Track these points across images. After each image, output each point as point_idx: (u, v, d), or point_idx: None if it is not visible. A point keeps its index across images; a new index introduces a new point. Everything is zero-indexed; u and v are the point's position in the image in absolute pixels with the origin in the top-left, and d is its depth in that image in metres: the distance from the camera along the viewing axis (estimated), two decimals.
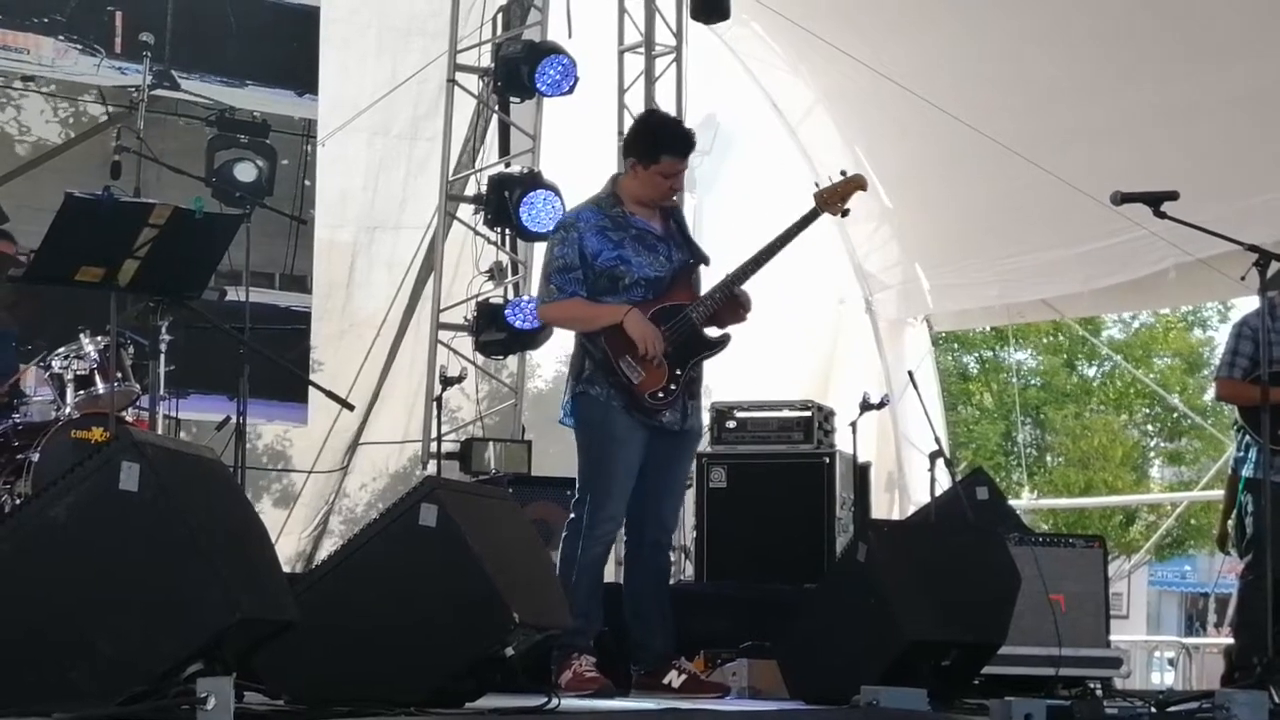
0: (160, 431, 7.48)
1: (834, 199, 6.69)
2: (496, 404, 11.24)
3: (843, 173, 6.78)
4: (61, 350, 7.87)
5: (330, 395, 8.32)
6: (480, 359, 10.78)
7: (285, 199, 10.78)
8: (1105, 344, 23.51)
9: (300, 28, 11.12)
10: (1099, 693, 6.90)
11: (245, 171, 10.81)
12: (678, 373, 6.38)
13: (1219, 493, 9.58)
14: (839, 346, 13.64)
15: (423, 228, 11.62)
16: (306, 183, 11.13)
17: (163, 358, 7.57)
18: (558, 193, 10.23)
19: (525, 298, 10.52)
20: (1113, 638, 7.62)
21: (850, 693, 5.50)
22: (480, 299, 10.56)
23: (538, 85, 10.29)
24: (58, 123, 10.35)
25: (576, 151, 11.64)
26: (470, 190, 10.97)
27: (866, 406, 9.15)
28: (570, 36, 10.72)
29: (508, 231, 10.59)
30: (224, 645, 4.15)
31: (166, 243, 6.44)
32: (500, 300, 10.54)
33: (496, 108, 10.83)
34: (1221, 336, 16.92)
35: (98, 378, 7.76)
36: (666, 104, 11.42)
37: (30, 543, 4.12)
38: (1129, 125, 11.30)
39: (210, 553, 4.10)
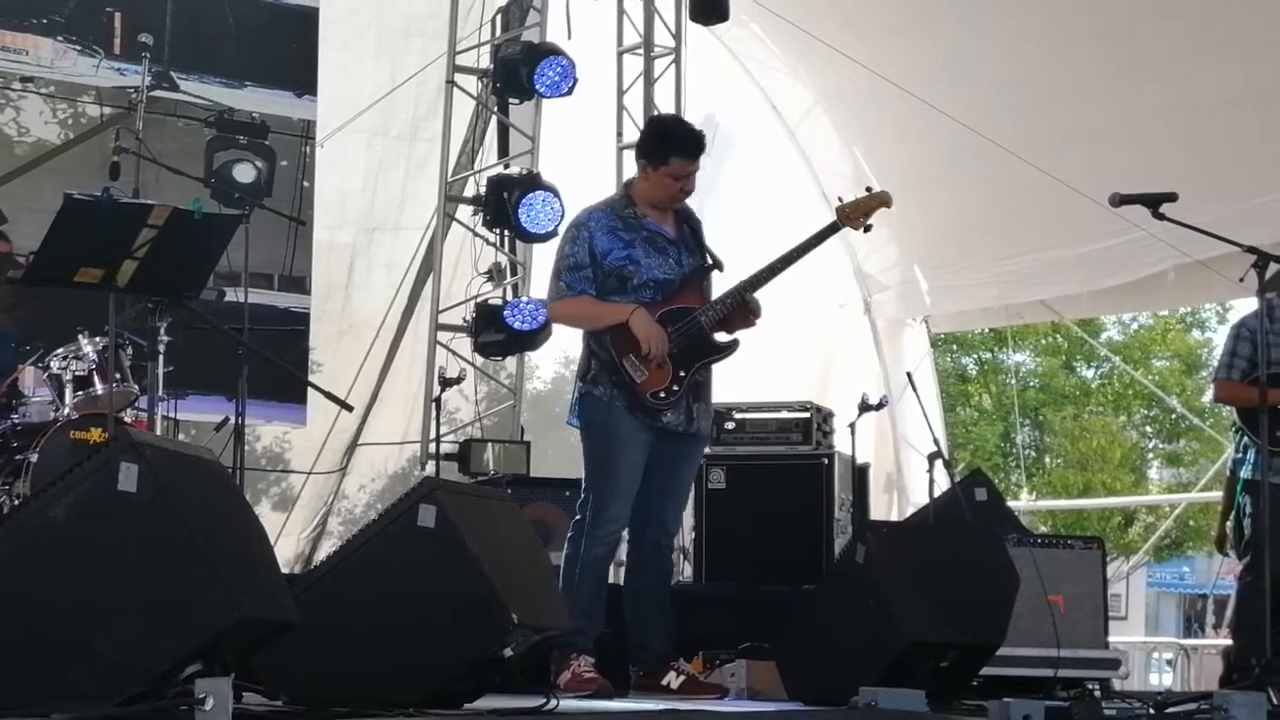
0: (159, 432, 7.49)
1: (856, 214, 6.69)
2: (495, 405, 11.24)
3: (868, 189, 6.78)
4: (60, 351, 7.88)
5: (329, 396, 8.32)
6: (479, 360, 10.78)
7: (284, 200, 10.77)
8: (1104, 346, 23.51)
9: (299, 29, 11.12)
10: (1097, 694, 6.91)
11: (244, 172, 10.81)
12: (681, 374, 6.38)
13: (1217, 494, 9.60)
14: (838, 348, 13.64)
15: (422, 229, 11.62)
16: (305, 184, 11.13)
17: (161, 358, 7.58)
18: (557, 194, 10.22)
19: (524, 299, 10.52)
20: (1111, 639, 7.62)
21: (849, 694, 5.50)
22: (479, 300, 10.56)
23: (537, 86, 10.29)
24: (56, 124, 10.35)
25: (575, 153, 11.64)
26: (469, 191, 10.97)
27: (865, 408, 9.15)
28: (569, 38, 10.72)
29: (507, 233, 10.58)
30: (223, 646, 4.15)
31: (165, 244, 6.45)
32: (499, 301, 10.54)
33: (495, 109, 10.83)
34: (1220, 338, 16.92)
35: (96, 378, 7.77)
36: (665, 105, 11.43)
37: (29, 543, 4.12)
38: (1128, 126, 11.30)
39: (209, 553, 4.11)
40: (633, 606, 6.55)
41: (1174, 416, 24.72)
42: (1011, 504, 10.95)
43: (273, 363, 8.37)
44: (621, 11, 11.61)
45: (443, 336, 10.67)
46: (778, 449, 8.71)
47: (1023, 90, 11.76)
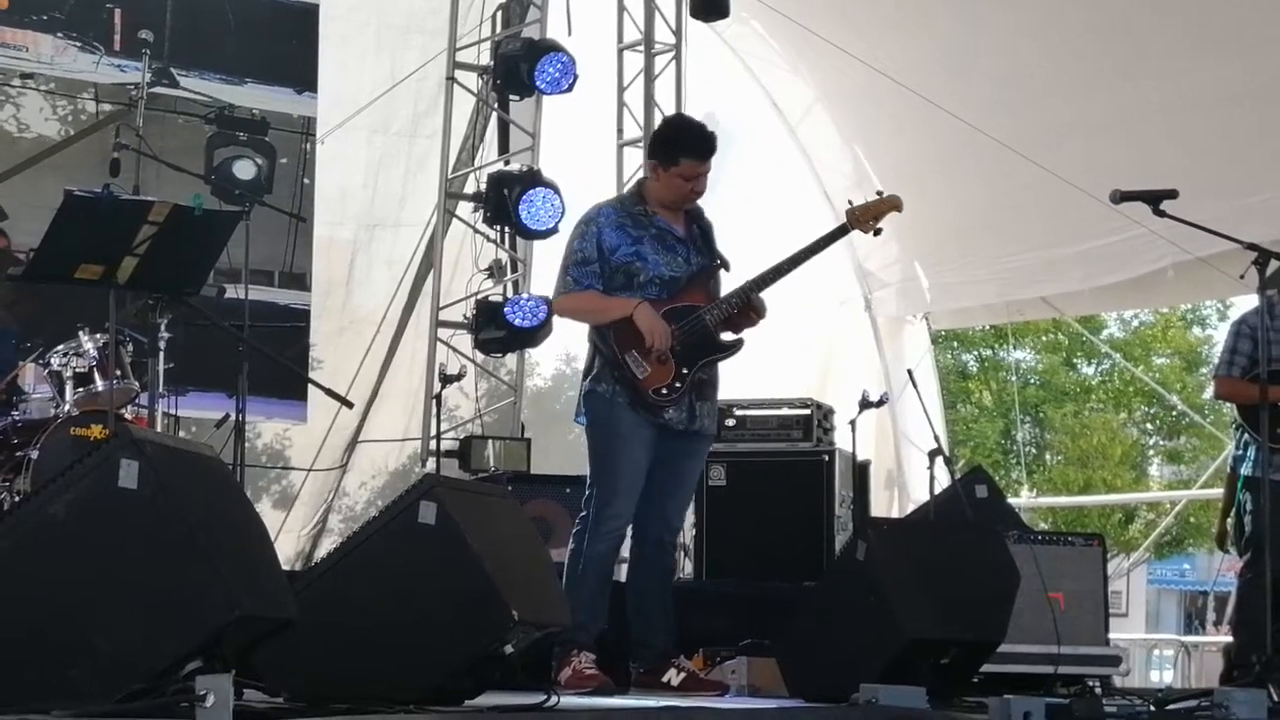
0: (159, 429, 7.50)
1: (866, 217, 6.70)
2: (496, 402, 11.24)
3: (879, 192, 6.79)
4: (61, 348, 7.88)
5: (329, 393, 8.33)
6: (479, 357, 10.77)
7: (284, 197, 10.78)
8: (1105, 342, 23.51)
9: (299, 25, 11.12)
10: (1098, 691, 6.91)
11: (244, 169, 10.81)
12: (684, 371, 6.39)
13: (1218, 491, 9.59)
14: (838, 344, 13.64)
15: (422, 225, 11.62)
16: (305, 180, 11.13)
17: (162, 355, 7.59)
18: (557, 190, 10.22)
19: (525, 295, 10.52)
20: (1112, 636, 7.62)
21: (849, 691, 5.50)
22: (480, 297, 10.56)
23: (537, 83, 10.28)
24: (57, 120, 10.35)
25: (576, 149, 11.63)
26: (470, 188, 10.97)
27: (866, 404, 9.15)
28: (569, 34, 10.71)
29: (507, 229, 10.57)
30: (223, 643, 4.15)
31: (166, 240, 6.45)
32: (500, 298, 10.54)
33: (496, 105, 10.83)
34: (1220, 335, 16.91)
35: (97, 375, 7.77)
36: (666, 102, 11.43)
37: (29, 540, 4.12)
38: (1128, 123, 11.29)
39: (209, 550, 4.11)
40: (634, 603, 6.56)
41: (1174, 413, 24.73)
42: (1012, 501, 10.93)
43: (273, 359, 8.38)
44: (622, 8, 11.60)
45: (443, 333, 10.66)
46: (778, 446, 8.71)
47: (1023, 86, 11.76)
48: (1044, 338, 25.04)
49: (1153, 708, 5.95)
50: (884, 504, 12.62)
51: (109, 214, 6.53)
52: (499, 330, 10.35)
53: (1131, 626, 22.14)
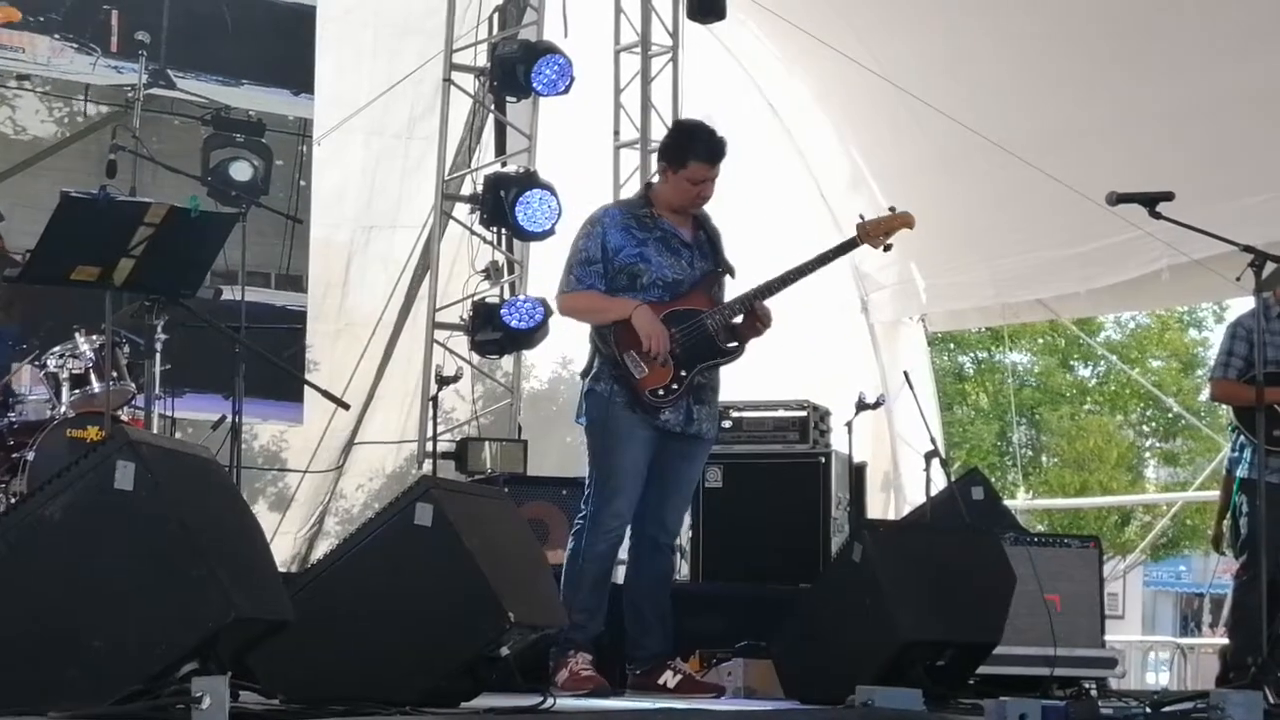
0: (155, 431, 7.49)
1: (877, 232, 6.71)
2: (492, 404, 11.24)
3: (891, 208, 6.80)
4: (57, 349, 7.88)
5: (325, 394, 8.31)
6: (476, 358, 10.77)
7: (281, 198, 10.78)
8: (1102, 345, 23.52)
9: (296, 27, 11.12)
10: (1094, 693, 6.92)
11: (241, 170, 10.81)
12: (682, 374, 6.40)
13: (1214, 493, 9.61)
14: (835, 346, 13.64)
15: (418, 227, 11.62)
16: (302, 182, 11.13)
17: (158, 357, 7.57)
18: (554, 192, 10.22)
19: (521, 297, 10.51)
20: (1108, 638, 7.62)
21: (845, 692, 5.50)
22: (476, 298, 10.55)
23: (534, 85, 10.27)
24: (53, 122, 10.35)
25: (572, 151, 11.63)
26: (466, 190, 10.96)
27: (862, 406, 9.14)
28: (566, 36, 10.71)
29: (504, 231, 10.57)
30: (219, 644, 4.15)
31: (162, 242, 6.44)
32: (496, 300, 10.53)
33: (492, 107, 10.83)
34: (1217, 337, 16.94)
35: (93, 376, 7.77)
36: (662, 104, 11.43)
37: (25, 542, 4.12)
38: (1125, 125, 11.30)
39: (205, 552, 4.10)
40: (631, 606, 6.56)
41: (1171, 415, 24.73)
42: (1008, 503, 10.95)
43: (270, 361, 8.37)
44: (619, 10, 11.60)
45: (440, 335, 10.66)
46: (775, 448, 8.71)
47: (1020, 89, 11.77)
48: (1040, 340, 25.05)
49: (1149, 710, 5.95)
50: (880, 506, 12.63)
51: (105, 215, 6.52)
52: (495, 332, 10.34)
53: (1128, 629, 22.16)
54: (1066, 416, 24.83)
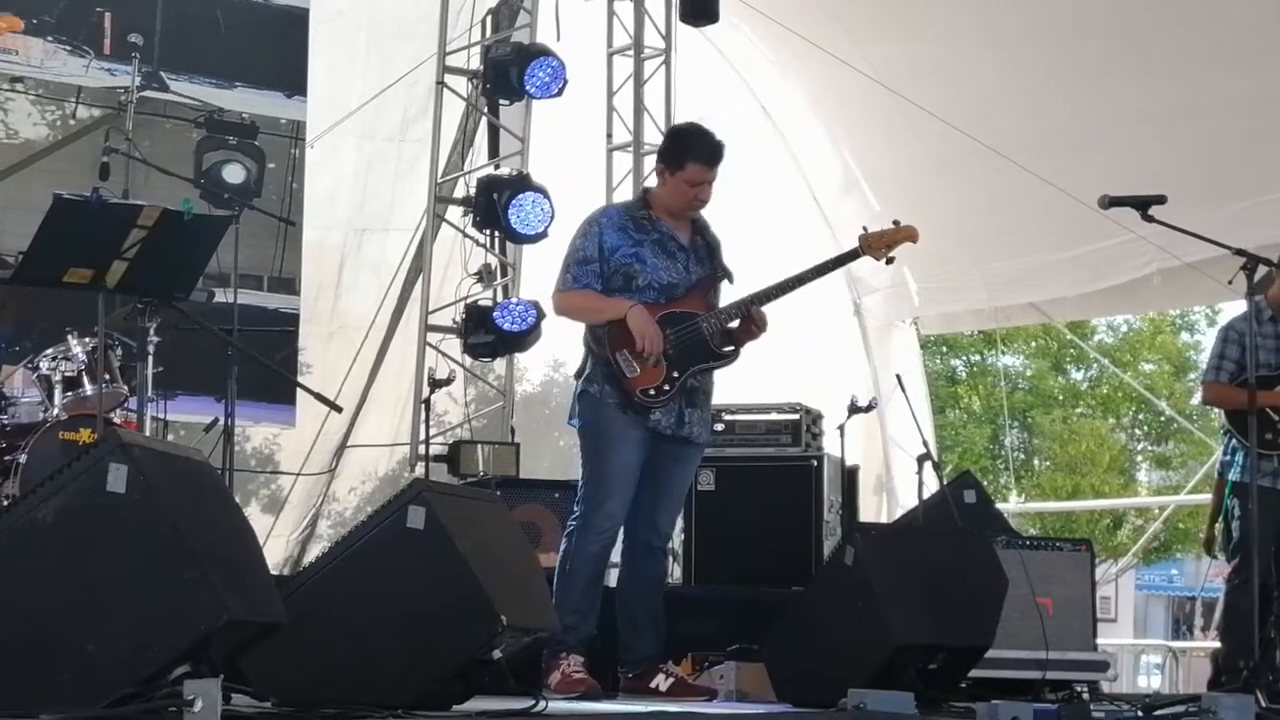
0: (148, 433, 7.48)
1: (879, 245, 6.72)
2: (484, 407, 11.24)
3: (895, 222, 6.80)
4: (49, 352, 7.88)
5: (318, 397, 8.31)
6: (468, 361, 10.77)
7: (274, 201, 10.78)
8: (1094, 348, 23.53)
9: (290, 29, 11.11)
10: (1086, 696, 6.92)
11: (234, 173, 10.81)
12: (675, 375, 6.40)
13: (1206, 496, 9.60)
14: (827, 349, 13.64)
15: (411, 230, 11.62)
16: (295, 185, 11.13)
17: (150, 359, 7.57)
18: (547, 195, 10.22)
19: (514, 300, 10.52)
20: (1100, 641, 7.63)
21: (837, 696, 5.50)
22: (469, 301, 10.56)
23: (527, 87, 10.28)
24: (45, 125, 10.33)
25: (565, 154, 11.64)
26: (459, 192, 10.97)
27: (854, 409, 9.14)
28: (559, 39, 10.72)
29: (496, 234, 10.57)
30: (211, 647, 4.15)
31: (155, 244, 6.44)
32: (489, 302, 10.54)
33: (485, 110, 10.83)
34: (1209, 340, 16.95)
35: (86, 379, 7.77)
36: (655, 107, 11.44)
37: (17, 544, 4.11)
38: (1117, 128, 11.32)
39: (198, 555, 4.10)
40: (624, 609, 6.56)
41: (1163, 419, 24.75)
42: (1000, 506, 10.95)
43: (262, 364, 8.37)
44: (611, 13, 11.61)
45: (432, 338, 10.66)
46: (767, 450, 8.69)
47: (1013, 92, 11.78)
48: (1032, 343, 25.06)
49: (1140, 713, 5.97)
50: (872, 509, 12.63)
51: (98, 218, 6.52)
52: (488, 335, 10.35)
53: (1120, 632, 22.20)
54: (1059, 420, 24.83)
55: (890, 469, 13.22)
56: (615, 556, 6.72)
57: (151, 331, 7.48)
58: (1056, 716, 5.54)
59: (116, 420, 7.76)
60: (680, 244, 6.56)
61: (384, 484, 11.99)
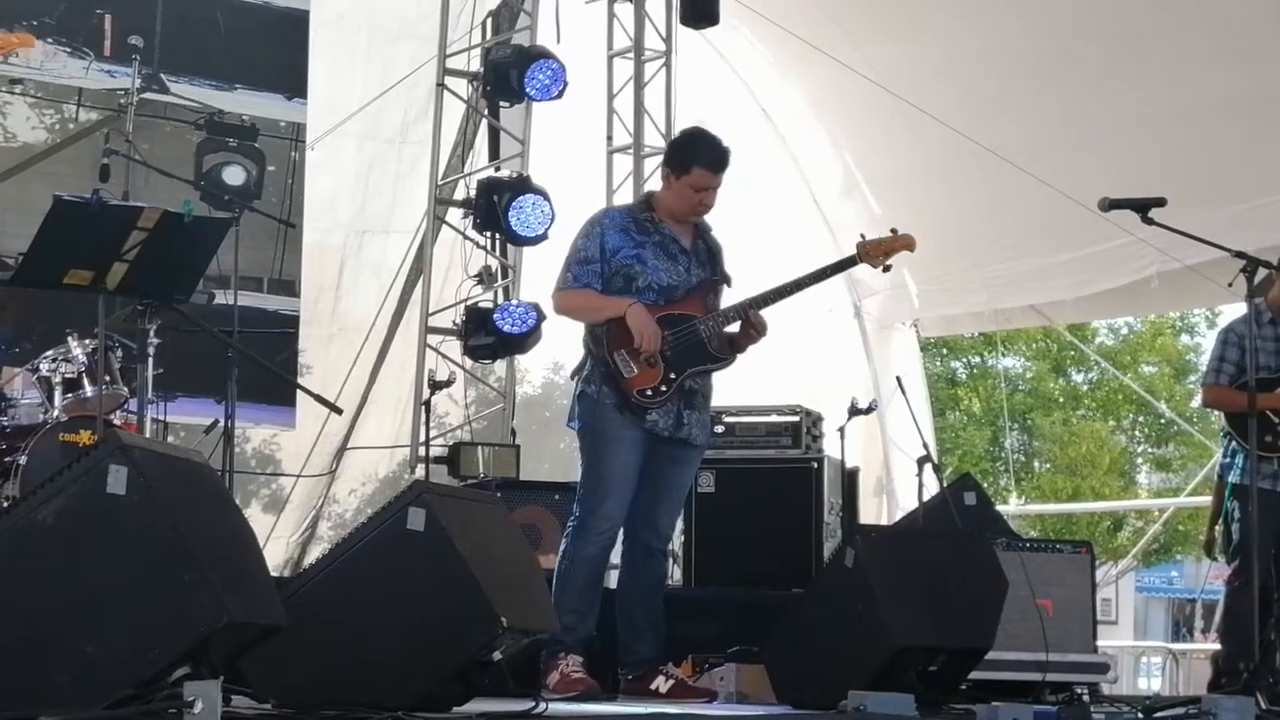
0: (148, 435, 7.49)
1: (877, 252, 6.73)
2: (485, 409, 11.24)
3: (893, 230, 6.80)
4: (49, 353, 7.88)
5: (318, 399, 8.31)
6: (469, 363, 10.77)
7: (274, 203, 10.78)
8: (1094, 350, 23.53)
9: (290, 31, 11.11)
10: (1086, 698, 6.92)
11: (234, 175, 10.81)
12: (672, 376, 6.40)
13: (1206, 499, 9.60)
14: (827, 351, 13.64)
15: (412, 232, 11.62)
16: (295, 186, 11.13)
17: (151, 361, 7.57)
18: (547, 197, 10.22)
19: (514, 302, 10.52)
20: (1100, 643, 7.63)
21: (838, 698, 5.50)
22: (469, 303, 10.56)
23: (527, 90, 10.28)
24: (44, 128, 10.34)
25: (566, 156, 11.64)
26: (459, 194, 10.97)
27: (855, 412, 9.13)
28: (559, 41, 10.73)
29: (497, 236, 10.58)
30: (211, 649, 4.15)
31: (155, 246, 6.44)
32: (489, 304, 10.54)
33: (486, 112, 10.84)
34: (1209, 343, 16.96)
35: (86, 381, 7.77)
36: (656, 109, 11.44)
37: (17, 546, 4.11)
38: (1117, 131, 11.32)
39: (198, 556, 4.10)
40: (623, 610, 6.56)
41: (1163, 421, 24.75)
42: (1000, 508, 10.94)
43: (262, 365, 8.36)
44: (612, 15, 11.61)
45: (432, 340, 10.66)
46: (767, 453, 8.70)
47: (1013, 94, 11.78)
48: (1033, 345, 25.06)
49: (1140, 715, 5.97)
50: (873, 511, 12.63)
51: (98, 220, 6.53)
52: (488, 337, 10.35)
53: (1120, 634, 22.16)
54: (1059, 422, 24.83)
55: (890, 471, 13.22)
56: (615, 558, 6.73)
57: (151, 333, 7.48)
58: (1056, 718, 5.54)
59: (116, 422, 7.76)
60: (682, 247, 6.56)
61: (384, 486, 12.00)
